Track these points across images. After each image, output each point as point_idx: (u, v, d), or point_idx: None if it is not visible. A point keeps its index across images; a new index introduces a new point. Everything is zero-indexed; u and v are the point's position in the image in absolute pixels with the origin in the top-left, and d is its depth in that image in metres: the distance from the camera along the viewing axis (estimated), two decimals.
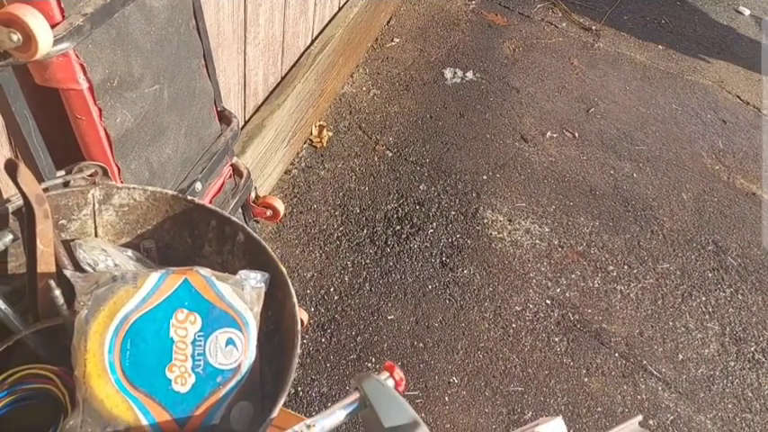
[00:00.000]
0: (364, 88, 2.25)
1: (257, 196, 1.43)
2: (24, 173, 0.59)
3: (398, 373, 0.60)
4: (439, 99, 2.27)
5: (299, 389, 1.45)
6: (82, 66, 0.78)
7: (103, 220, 0.72)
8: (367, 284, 1.67)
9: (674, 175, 2.16)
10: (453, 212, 1.89)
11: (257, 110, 1.71)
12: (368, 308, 1.62)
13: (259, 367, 0.63)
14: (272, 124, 1.69)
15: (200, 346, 0.60)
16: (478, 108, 2.27)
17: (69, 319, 0.61)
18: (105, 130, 0.85)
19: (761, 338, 1.73)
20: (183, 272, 0.64)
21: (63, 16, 0.75)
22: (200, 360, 0.60)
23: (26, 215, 0.62)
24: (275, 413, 0.57)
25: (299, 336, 0.63)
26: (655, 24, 2.91)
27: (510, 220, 1.90)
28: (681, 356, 1.66)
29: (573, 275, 1.79)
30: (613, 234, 1.93)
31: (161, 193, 0.72)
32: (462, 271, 1.74)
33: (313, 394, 1.44)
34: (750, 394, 1.61)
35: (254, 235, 0.70)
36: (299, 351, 0.61)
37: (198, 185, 1.05)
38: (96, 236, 0.72)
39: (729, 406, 1.57)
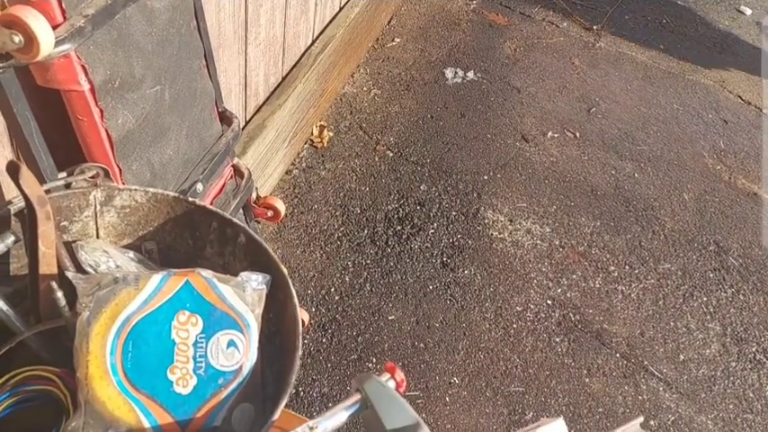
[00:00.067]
0: (365, 88, 2.25)
1: (258, 197, 1.43)
2: (26, 175, 0.59)
3: (399, 375, 0.60)
4: (440, 99, 2.27)
5: (300, 389, 1.45)
6: (83, 67, 0.78)
7: (105, 222, 0.72)
8: (368, 285, 1.67)
9: (676, 175, 2.16)
10: (454, 213, 1.89)
11: (258, 110, 1.71)
12: (369, 308, 1.62)
13: (260, 369, 0.63)
14: (272, 124, 1.69)
15: (201, 347, 0.60)
16: (479, 108, 2.27)
17: (71, 321, 0.61)
18: (107, 131, 0.85)
19: (762, 339, 1.73)
20: (185, 273, 0.64)
21: (64, 17, 0.75)
22: (201, 362, 0.60)
23: (28, 217, 0.62)
24: (277, 415, 0.57)
25: (301, 337, 0.63)
26: (656, 24, 2.91)
27: (511, 221, 1.90)
28: (682, 357, 1.66)
29: (574, 276, 1.79)
30: (614, 234, 1.92)
31: (162, 195, 0.72)
32: (463, 271, 1.74)
33: (314, 394, 1.45)
34: (751, 395, 1.60)
35: (256, 236, 0.70)
36: (300, 353, 0.61)
37: (199, 186, 1.05)
38: (98, 237, 0.72)
39: (731, 406, 1.57)
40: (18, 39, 0.68)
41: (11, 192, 0.89)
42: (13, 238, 0.63)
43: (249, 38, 1.49)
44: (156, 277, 0.62)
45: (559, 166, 2.11)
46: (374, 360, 1.52)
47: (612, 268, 1.83)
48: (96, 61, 0.80)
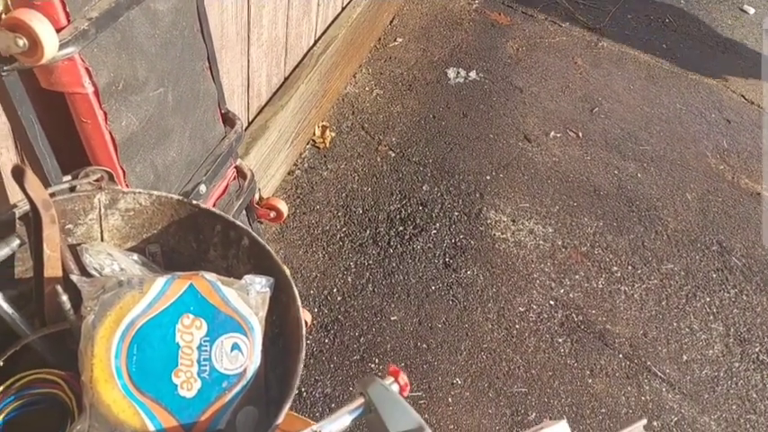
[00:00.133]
0: (367, 88, 2.25)
1: (261, 198, 1.43)
2: (31, 178, 0.59)
3: (403, 378, 0.60)
4: (442, 99, 2.27)
5: (303, 389, 1.45)
6: (87, 70, 0.78)
7: (109, 225, 0.72)
8: (370, 285, 1.67)
9: (679, 175, 2.16)
10: (456, 213, 1.89)
11: (260, 111, 1.71)
12: (371, 309, 1.62)
13: (264, 372, 0.63)
14: (275, 125, 1.69)
15: (205, 351, 0.60)
16: (482, 108, 2.27)
17: (76, 324, 0.61)
18: (110, 133, 0.85)
19: (765, 339, 1.73)
20: (189, 277, 0.64)
21: (68, 20, 0.75)
22: (205, 365, 0.60)
23: (33, 220, 0.62)
24: (281, 419, 0.57)
25: (304, 340, 0.63)
26: (659, 23, 2.90)
27: (513, 221, 1.90)
28: (685, 357, 1.65)
29: (577, 276, 1.79)
30: (617, 234, 1.92)
31: (166, 198, 0.72)
32: (466, 272, 1.74)
33: (317, 395, 1.45)
34: (755, 395, 1.60)
35: (259, 239, 0.70)
36: (303, 356, 0.61)
37: (202, 188, 1.05)
38: (102, 240, 0.72)
39: (734, 407, 1.57)
40: (22, 42, 0.68)
41: (16, 195, 0.89)
42: (18, 242, 0.63)
43: (252, 39, 1.50)
44: (161, 280, 0.62)
45: (562, 166, 2.10)
46: (377, 361, 1.52)
47: (615, 268, 1.83)
48: (100, 64, 0.80)
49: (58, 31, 0.72)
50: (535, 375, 1.55)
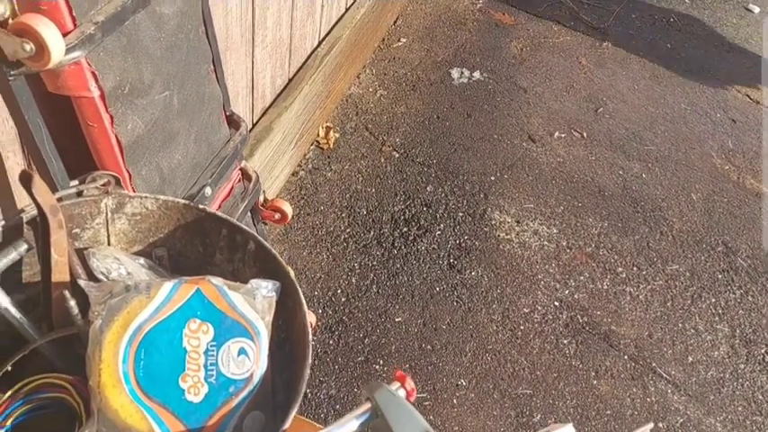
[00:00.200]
0: (371, 89, 2.25)
1: (266, 199, 1.43)
2: (39, 184, 0.60)
3: (410, 383, 0.60)
4: (446, 99, 2.27)
5: (308, 390, 1.45)
6: (93, 73, 0.79)
7: (116, 229, 0.72)
8: (374, 286, 1.67)
9: (684, 176, 2.15)
10: (461, 214, 1.89)
11: (265, 112, 1.71)
12: (375, 310, 1.62)
13: (271, 376, 0.63)
14: (279, 127, 1.69)
15: (212, 355, 0.60)
16: (486, 108, 2.26)
17: (84, 329, 0.61)
18: (116, 136, 0.85)
19: None
20: (196, 281, 0.64)
21: (75, 25, 0.75)
22: (212, 370, 0.60)
23: (41, 225, 0.62)
24: (288, 424, 0.57)
25: (311, 346, 0.63)
26: (663, 23, 2.89)
27: (518, 222, 1.90)
28: (690, 359, 1.65)
29: (581, 277, 1.78)
30: (622, 235, 1.92)
31: (173, 202, 0.72)
32: (470, 273, 1.74)
33: (321, 396, 1.45)
34: (760, 397, 1.60)
35: (265, 244, 0.70)
36: (310, 361, 0.61)
37: (208, 190, 1.05)
38: (109, 244, 0.72)
39: (740, 409, 1.57)
40: (29, 47, 0.69)
41: (23, 200, 0.89)
42: (25, 246, 0.64)
43: (256, 40, 1.50)
44: (168, 285, 0.62)
45: (566, 167, 2.10)
46: (381, 362, 1.52)
47: (620, 269, 1.82)
48: (106, 68, 0.80)
49: (64, 35, 0.72)
50: (540, 377, 1.55)
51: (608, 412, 1.51)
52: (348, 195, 1.88)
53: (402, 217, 1.85)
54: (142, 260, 0.71)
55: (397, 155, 2.03)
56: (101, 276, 0.67)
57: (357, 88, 2.24)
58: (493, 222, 1.88)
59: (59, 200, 0.65)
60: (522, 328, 1.64)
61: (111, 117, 0.83)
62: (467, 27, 2.62)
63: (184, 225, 0.73)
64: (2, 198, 0.90)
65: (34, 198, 0.60)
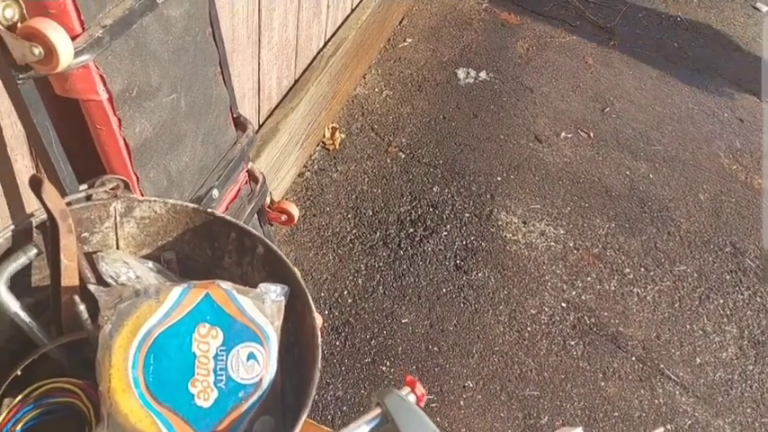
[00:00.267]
0: (377, 89, 2.25)
1: (272, 201, 1.43)
2: (48, 189, 0.60)
3: (420, 389, 0.60)
4: (452, 99, 2.26)
5: (314, 393, 1.45)
6: (101, 77, 0.79)
7: (125, 233, 0.72)
8: (381, 287, 1.67)
9: (691, 176, 2.14)
10: (467, 215, 1.88)
11: (271, 114, 1.71)
12: (382, 311, 1.62)
13: (280, 381, 0.63)
14: (285, 128, 1.69)
15: (222, 360, 0.60)
16: (492, 108, 2.26)
17: (93, 334, 0.61)
18: (125, 139, 0.85)
19: None
20: (205, 286, 0.64)
21: (83, 28, 0.75)
22: (222, 375, 0.60)
23: (50, 230, 0.62)
24: (298, 428, 0.57)
25: (320, 349, 0.63)
26: (670, 22, 2.87)
27: (525, 222, 1.89)
28: (698, 360, 1.64)
29: (589, 278, 1.78)
30: (629, 236, 1.91)
31: (181, 206, 0.72)
32: (477, 274, 1.73)
33: (328, 398, 1.45)
34: None
35: (274, 247, 0.70)
36: (320, 365, 0.61)
37: (215, 192, 1.05)
38: (118, 248, 0.72)
39: (748, 410, 1.56)
40: (38, 50, 0.69)
41: (32, 204, 0.89)
42: (35, 251, 0.64)
43: (262, 42, 1.50)
44: (177, 290, 0.62)
45: (573, 167, 2.09)
46: (388, 363, 1.52)
47: (627, 270, 1.81)
48: (114, 71, 0.80)
49: (72, 38, 0.72)
50: (547, 378, 1.54)
51: (616, 414, 1.51)
52: (354, 196, 1.88)
53: (408, 218, 1.85)
54: (151, 264, 0.71)
55: (403, 155, 2.03)
56: (110, 280, 0.67)
57: (363, 89, 2.24)
58: (499, 223, 1.88)
59: (68, 204, 0.65)
60: (529, 329, 1.64)
61: (119, 120, 0.83)
62: (473, 27, 2.61)
63: (193, 229, 0.73)
64: (11, 201, 0.91)
65: (44, 203, 0.60)
